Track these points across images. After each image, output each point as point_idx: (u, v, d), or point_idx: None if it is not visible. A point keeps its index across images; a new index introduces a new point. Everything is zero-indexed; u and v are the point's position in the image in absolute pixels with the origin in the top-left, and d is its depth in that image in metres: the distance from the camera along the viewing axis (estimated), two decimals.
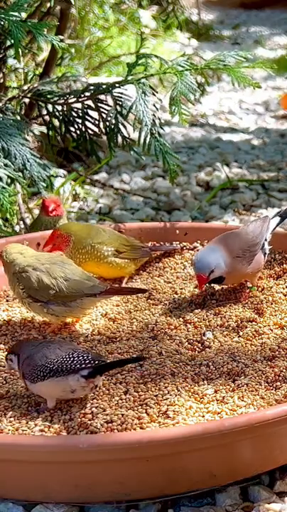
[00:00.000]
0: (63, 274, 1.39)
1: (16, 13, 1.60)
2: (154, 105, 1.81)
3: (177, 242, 1.73)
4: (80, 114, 1.91)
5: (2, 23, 1.66)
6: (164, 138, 1.82)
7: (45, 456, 1.04)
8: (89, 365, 1.14)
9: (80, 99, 1.90)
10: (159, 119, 1.81)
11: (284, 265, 1.60)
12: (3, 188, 1.59)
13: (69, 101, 1.92)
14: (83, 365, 1.14)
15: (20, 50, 1.61)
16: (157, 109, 1.82)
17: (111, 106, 1.84)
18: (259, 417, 1.06)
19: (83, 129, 1.92)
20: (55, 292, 1.37)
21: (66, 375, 1.15)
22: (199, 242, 1.73)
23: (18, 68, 2.37)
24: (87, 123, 1.92)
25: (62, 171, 2.34)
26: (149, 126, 1.77)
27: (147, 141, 1.79)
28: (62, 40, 1.69)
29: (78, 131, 1.93)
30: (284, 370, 1.25)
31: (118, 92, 1.83)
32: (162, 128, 1.82)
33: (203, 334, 1.38)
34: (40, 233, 1.72)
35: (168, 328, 1.40)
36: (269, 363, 1.28)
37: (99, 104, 1.87)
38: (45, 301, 1.38)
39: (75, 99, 1.91)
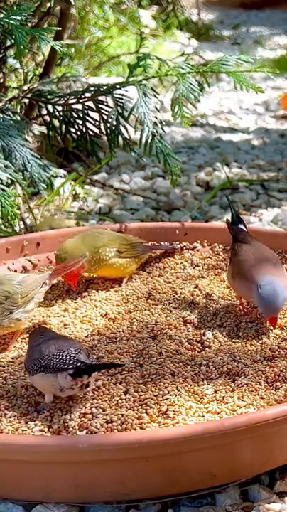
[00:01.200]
0: (11, 278, 1.40)
1: (18, 17, 1.60)
2: (155, 107, 1.81)
3: (177, 242, 1.73)
4: (80, 115, 1.91)
5: (2, 23, 1.66)
6: (164, 139, 1.82)
7: (45, 456, 1.04)
8: (70, 366, 1.15)
9: (81, 100, 1.90)
10: (160, 121, 1.81)
11: (284, 265, 1.60)
12: (4, 190, 1.59)
13: (70, 101, 1.92)
14: (66, 366, 1.15)
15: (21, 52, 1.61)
16: (158, 110, 1.82)
17: (111, 107, 1.84)
18: (259, 417, 1.06)
19: (83, 130, 1.92)
20: (20, 296, 1.38)
21: (55, 372, 1.16)
22: (199, 242, 1.73)
23: (18, 68, 2.38)
24: (87, 124, 1.92)
25: (62, 171, 2.34)
26: (151, 127, 1.77)
27: (148, 143, 1.79)
28: (62, 43, 1.69)
29: (78, 132, 1.93)
30: (284, 370, 1.25)
31: (119, 94, 1.83)
32: (163, 129, 1.82)
33: (203, 334, 1.38)
34: (40, 233, 1.73)
35: (168, 328, 1.40)
36: (269, 363, 1.28)
37: (100, 106, 1.87)
38: (14, 310, 1.38)
39: (75, 99, 1.91)
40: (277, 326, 1.39)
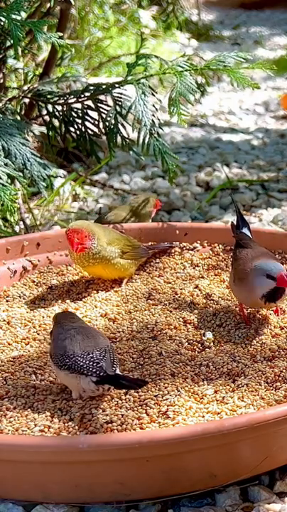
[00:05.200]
0: None
1: (16, 13, 1.60)
2: (153, 105, 1.81)
3: (177, 243, 1.73)
4: (80, 115, 1.91)
5: (2, 23, 1.66)
6: (163, 138, 1.82)
7: (45, 456, 1.04)
8: (94, 374, 1.15)
9: (80, 100, 1.90)
10: (158, 119, 1.81)
11: (284, 265, 1.60)
12: (4, 185, 1.59)
13: (69, 101, 1.92)
14: (90, 373, 1.15)
15: (19, 49, 1.60)
16: (156, 109, 1.82)
17: (110, 106, 1.84)
18: (259, 417, 1.06)
19: (83, 129, 1.92)
20: None
21: (79, 375, 1.16)
22: (199, 242, 1.73)
23: (18, 68, 2.38)
24: (86, 123, 1.92)
25: (62, 171, 2.34)
26: (148, 126, 1.77)
27: (146, 141, 1.79)
28: (61, 38, 1.69)
29: (78, 132, 1.93)
30: (284, 371, 1.25)
31: (118, 93, 1.83)
32: (161, 128, 1.82)
33: (203, 334, 1.38)
34: (40, 233, 1.72)
35: (167, 328, 1.40)
36: (269, 363, 1.28)
37: (99, 105, 1.87)
38: None
39: (75, 99, 1.91)
40: (275, 326, 1.39)
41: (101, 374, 1.15)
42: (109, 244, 1.57)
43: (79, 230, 1.54)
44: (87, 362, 1.16)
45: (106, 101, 1.87)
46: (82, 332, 1.23)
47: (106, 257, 1.56)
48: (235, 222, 1.55)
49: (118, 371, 1.18)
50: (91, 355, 1.17)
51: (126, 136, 1.85)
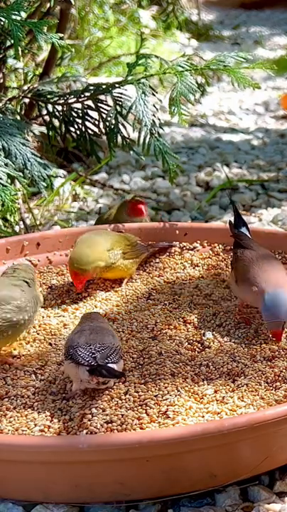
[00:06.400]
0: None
1: (16, 13, 1.60)
2: (154, 105, 1.81)
3: (177, 243, 1.73)
4: (80, 114, 1.91)
5: (2, 23, 1.66)
6: (164, 138, 1.82)
7: (45, 456, 1.04)
8: (86, 363, 1.17)
9: (80, 100, 1.90)
10: (159, 119, 1.82)
11: (284, 265, 1.60)
12: (4, 185, 1.59)
13: (69, 101, 1.92)
14: (83, 361, 1.17)
15: (19, 49, 1.60)
16: (157, 109, 1.82)
17: (111, 106, 1.84)
18: (259, 417, 1.06)
19: (83, 129, 1.92)
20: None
21: (77, 364, 1.18)
22: (199, 242, 1.73)
23: (18, 68, 2.38)
24: (86, 123, 1.92)
25: (62, 171, 2.34)
26: (149, 126, 1.77)
27: (147, 141, 1.79)
28: (61, 38, 1.69)
29: (78, 131, 1.93)
30: (284, 370, 1.25)
31: (118, 92, 1.83)
32: (162, 128, 1.82)
33: (203, 334, 1.38)
34: (39, 233, 1.72)
35: (167, 328, 1.40)
36: (269, 363, 1.28)
37: (99, 104, 1.87)
38: None
39: (75, 99, 1.91)
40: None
41: (92, 363, 1.17)
42: (111, 250, 1.57)
43: (80, 275, 1.52)
44: (85, 352, 1.19)
45: (106, 101, 1.87)
46: (95, 329, 1.25)
47: (109, 263, 1.56)
48: (233, 221, 1.55)
49: (114, 366, 1.18)
50: (91, 346, 1.19)
51: (127, 136, 1.85)
